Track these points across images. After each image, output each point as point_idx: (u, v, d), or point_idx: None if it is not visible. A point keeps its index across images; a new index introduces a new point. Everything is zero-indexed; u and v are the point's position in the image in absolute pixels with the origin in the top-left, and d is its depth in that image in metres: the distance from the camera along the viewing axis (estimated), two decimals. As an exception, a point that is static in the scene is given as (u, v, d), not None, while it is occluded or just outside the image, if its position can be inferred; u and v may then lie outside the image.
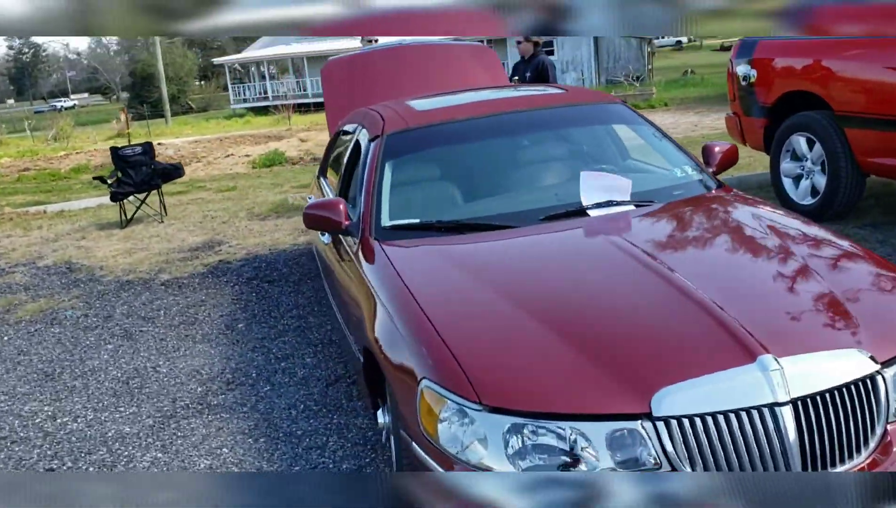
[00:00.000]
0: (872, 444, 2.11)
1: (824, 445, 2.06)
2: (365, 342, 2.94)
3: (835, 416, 2.08)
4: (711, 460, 2.01)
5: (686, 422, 2.03)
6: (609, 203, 3.26)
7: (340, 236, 3.69)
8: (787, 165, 6.15)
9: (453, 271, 2.87)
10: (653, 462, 2.03)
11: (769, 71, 6.19)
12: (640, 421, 2.04)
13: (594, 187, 3.32)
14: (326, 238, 4.02)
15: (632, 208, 3.25)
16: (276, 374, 4.20)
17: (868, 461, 2.09)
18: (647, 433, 2.04)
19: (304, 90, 40.61)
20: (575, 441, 2.06)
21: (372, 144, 3.78)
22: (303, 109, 35.40)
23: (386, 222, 3.39)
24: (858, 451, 2.09)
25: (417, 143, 3.76)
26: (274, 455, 3.33)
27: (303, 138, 19.63)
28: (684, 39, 75.57)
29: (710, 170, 3.72)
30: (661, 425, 2.03)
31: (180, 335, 5.00)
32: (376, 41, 7.69)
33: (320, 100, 38.71)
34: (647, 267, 2.64)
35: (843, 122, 5.48)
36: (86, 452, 3.56)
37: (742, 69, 6.43)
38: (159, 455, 3.46)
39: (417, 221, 3.37)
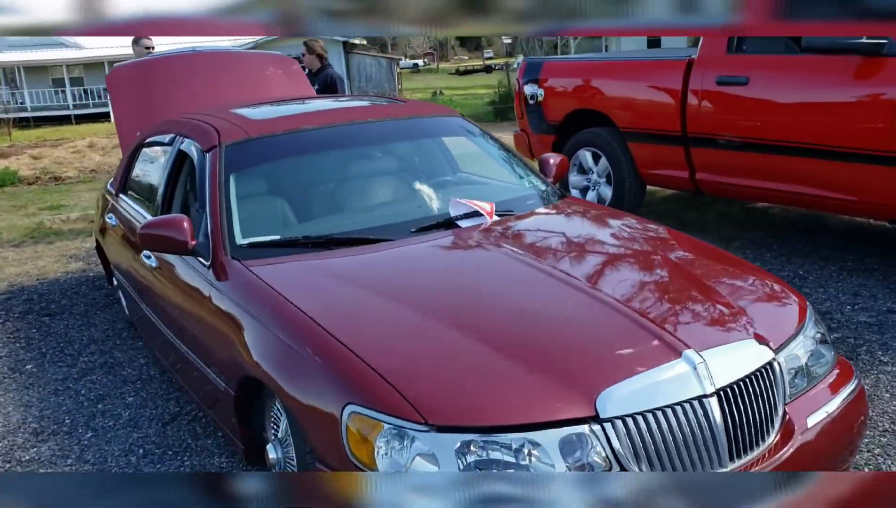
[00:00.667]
0: (777, 424, 2.29)
1: (744, 430, 2.20)
2: (243, 372, 2.67)
3: (749, 402, 2.23)
4: (655, 455, 2.07)
5: (630, 421, 2.06)
6: (476, 214, 3.26)
7: (179, 259, 3.33)
8: (574, 178, 6.59)
9: (342, 287, 2.70)
10: (603, 463, 2.04)
11: (556, 91, 6.61)
12: (588, 425, 2.05)
13: (459, 206, 3.31)
14: (153, 261, 3.61)
15: (496, 218, 3.28)
16: (94, 418, 3.68)
17: (776, 439, 2.26)
18: (596, 436, 2.04)
19: (22, 102, 36.65)
20: (524, 451, 2.02)
21: (207, 156, 3.46)
22: (23, 123, 31.92)
23: (241, 239, 3.11)
24: (769, 433, 2.26)
25: (261, 154, 3.51)
26: (125, 509, 2.91)
27: (35, 155, 17.65)
28: (420, 62, 78.93)
29: (549, 180, 3.87)
30: (608, 426, 2.05)
31: (-49, 383, 4.22)
32: (153, 48, 7.13)
33: (43, 114, 35.24)
34: (545, 274, 2.67)
35: (627, 137, 5.99)
36: None
37: (529, 89, 6.80)
38: (-29, 527, 2.88)
39: (278, 237, 3.14)
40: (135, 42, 7.31)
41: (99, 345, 4.64)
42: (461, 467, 1.99)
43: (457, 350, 2.26)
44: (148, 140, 4.46)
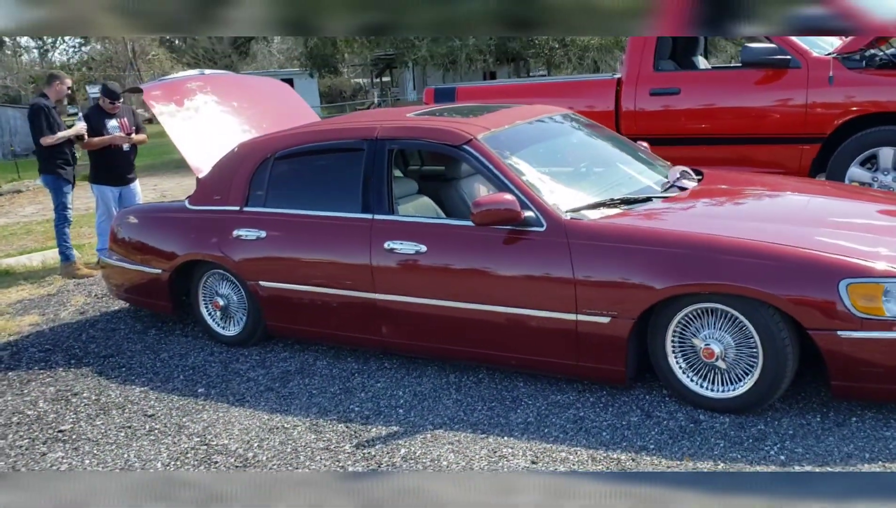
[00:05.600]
0: None
1: None
2: (651, 299, 3.41)
3: None
4: None
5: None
6: (679, 179, 4.28)
7: (472, 237, 3.81)
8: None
9: (709, 218, 3.62)
10: None
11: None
12: None
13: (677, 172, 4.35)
14: (422, 248, 3.91)
15: (696, 182, 4.32)
16: (394, 398, 3.85)
17: None
18: None
19: None
20: None
21: (468, 149, 3.94)
22: None
23: (566, 205, 3.73)
24: None
25: (513, 142, 4.09)
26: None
27: None
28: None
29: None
30: None
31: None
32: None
33: None
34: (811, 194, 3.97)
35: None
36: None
37: (445, 109, 7.69)
38: None
39: (590, 201, 3.82)
40: (54, 80, 6.67)
41: (246, 362, 4.52)
42: None
43: (864, 238, 3.35)
44: (281, 154, 4.56)
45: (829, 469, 2.97)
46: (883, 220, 3.79)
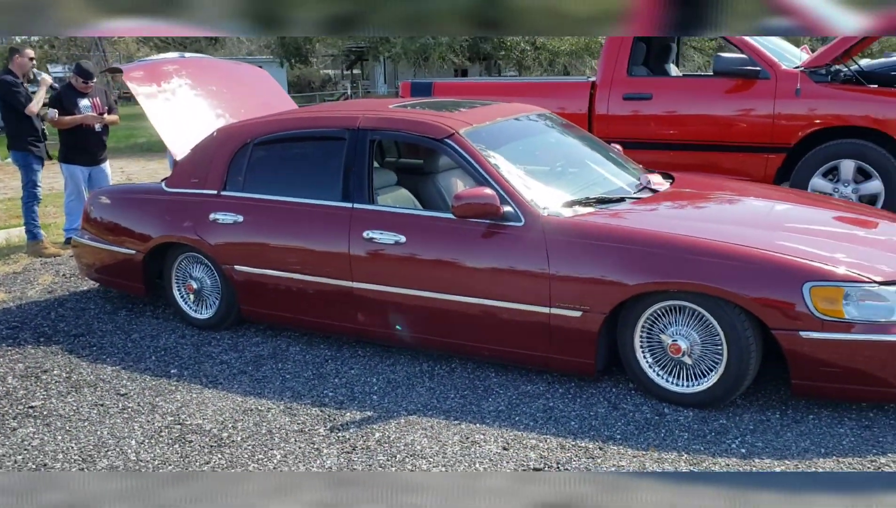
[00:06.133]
0: None
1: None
2: (623, 295, 3.52)
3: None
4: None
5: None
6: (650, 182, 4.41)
7: (452, 229, 3.88)
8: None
9: (671, 220, 3.77)
10: None
11: (450, 106, 7.70)
12: None
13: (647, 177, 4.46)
14: (401, 238, 3.97)
15: (667, 184, 4.44)
16: (368, 383, 3.91)
17: None
18: None
19: None
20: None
21: (449, 143, 4.02)
22: None
23: (544, 202, 3.83)
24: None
25: (494, 138, 4.17)
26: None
27: None
28: None
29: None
30: None
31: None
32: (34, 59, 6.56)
33: None
34: (773, 200, 4.14)
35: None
36: None
37: (421, 104, 7.77)
38: (422, 466, 3.16)
39: (569, 199, 3.92)
40: (14, 54, 6.59)
41: (219, 345, 4.54)
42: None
43: (825, 244, 3.50)
44: (261, 140, 4.59)
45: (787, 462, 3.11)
46: (843, 227, 3.95)
